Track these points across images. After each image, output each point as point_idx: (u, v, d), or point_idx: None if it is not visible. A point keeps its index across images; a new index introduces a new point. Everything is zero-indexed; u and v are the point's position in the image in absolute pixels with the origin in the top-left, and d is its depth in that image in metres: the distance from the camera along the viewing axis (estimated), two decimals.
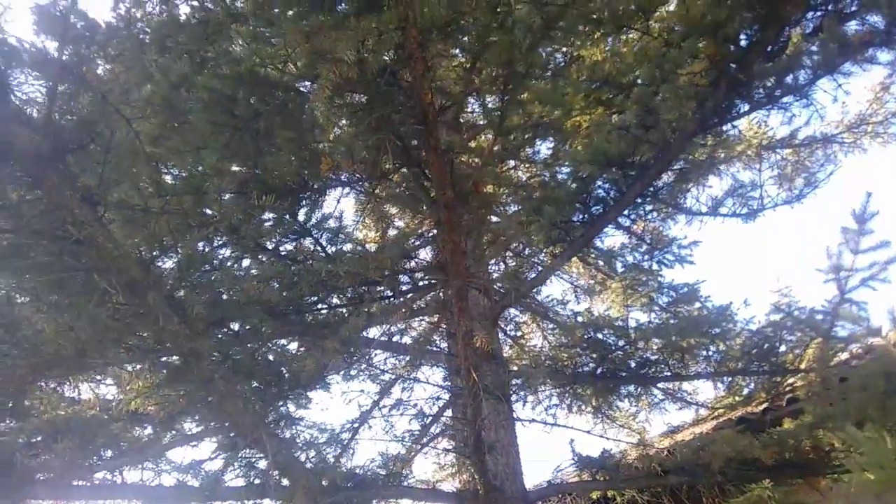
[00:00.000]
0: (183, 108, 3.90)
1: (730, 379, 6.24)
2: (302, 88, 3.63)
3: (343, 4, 3.50)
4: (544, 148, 7.53)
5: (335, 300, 5.31)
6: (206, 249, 3.36)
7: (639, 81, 5.80)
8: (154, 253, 2.69)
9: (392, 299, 5.70)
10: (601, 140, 4.76)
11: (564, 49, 6.07)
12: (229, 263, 3.73)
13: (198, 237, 3.17)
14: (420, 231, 5.80)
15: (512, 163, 7.84)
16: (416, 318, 7.49)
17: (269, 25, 3.84)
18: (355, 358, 5.01)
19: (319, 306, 5.21)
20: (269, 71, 3.60)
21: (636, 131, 4.66)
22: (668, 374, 6.27)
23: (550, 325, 8.59)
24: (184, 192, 3.08)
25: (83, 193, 2.51)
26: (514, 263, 6.78)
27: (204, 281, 2.85)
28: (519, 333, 8.63)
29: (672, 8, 5.91)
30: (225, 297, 3.06)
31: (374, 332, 6.50)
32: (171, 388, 3.00)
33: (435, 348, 6.84)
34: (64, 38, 2.33)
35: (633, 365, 6.36)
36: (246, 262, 4.01)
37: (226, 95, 3.51)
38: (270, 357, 3.61)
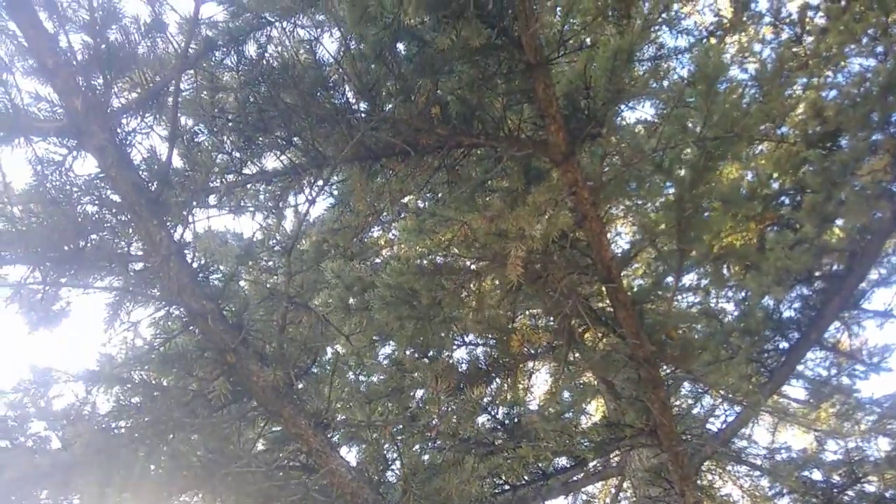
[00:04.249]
0: (353, 307, 4.02)
1: None
2: (476, 269, 3.64)
3: (506, 182, 3.62)
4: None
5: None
6: (423, 453, 3.20)
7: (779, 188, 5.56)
8: (380, 468, 2.55)
9: (574, 469, 5.17)
10: (779, 256, 4.39)
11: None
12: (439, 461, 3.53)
13: (415, 441, 3.03)
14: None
15: None
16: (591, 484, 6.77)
17: (431, 216, 3.98)
18: None
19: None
20: (444, 258, 3.67)
21: (817, 242, 4.28)
22: None
23: (742, 468, 7.48)
24: (386, 394, 3.00)
25: (315, 419, 2.46)
26: (699, 406, 6.10)
27: (428, 489, 2.65)
28: (704, 483, 7.56)
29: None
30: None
31: None
32: None
33: None
34: (289, 273, 2.46)
35: None
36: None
37: (406, 289, 3.55)
38: None
